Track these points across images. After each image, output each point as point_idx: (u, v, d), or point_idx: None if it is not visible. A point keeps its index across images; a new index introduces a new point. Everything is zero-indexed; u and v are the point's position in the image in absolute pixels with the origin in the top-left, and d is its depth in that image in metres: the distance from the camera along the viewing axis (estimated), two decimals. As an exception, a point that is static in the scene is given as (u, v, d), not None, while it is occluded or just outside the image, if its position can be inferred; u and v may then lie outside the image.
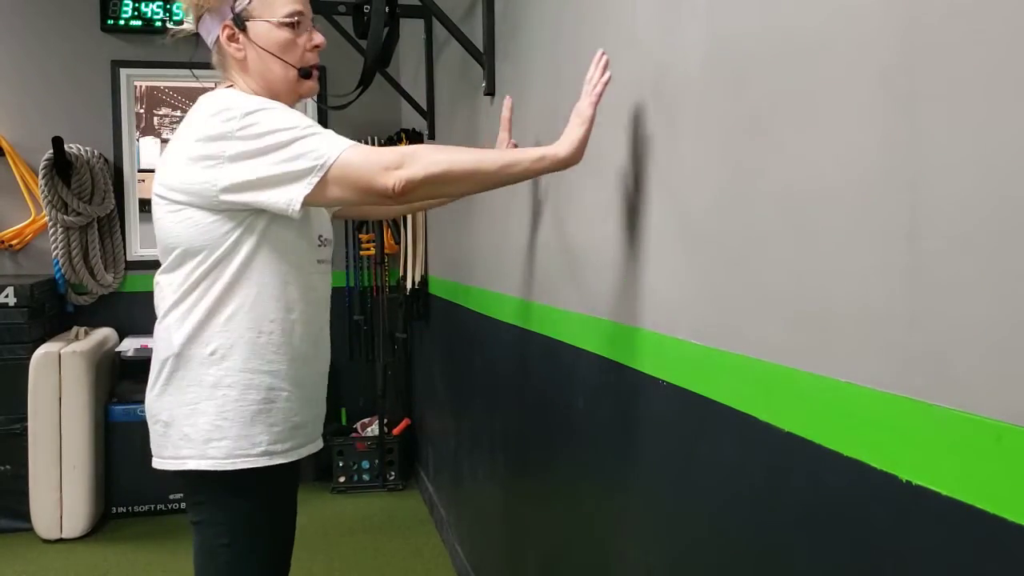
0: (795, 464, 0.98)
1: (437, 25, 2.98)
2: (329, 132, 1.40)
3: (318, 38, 1.53)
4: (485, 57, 2.36)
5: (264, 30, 1.48)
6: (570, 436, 1.80)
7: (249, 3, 1.48)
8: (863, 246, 0.86)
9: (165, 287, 1.49)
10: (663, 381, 1.32)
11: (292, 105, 1.50)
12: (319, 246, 1.56)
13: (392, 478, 4.01)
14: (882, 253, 0.83)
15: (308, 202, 1.37)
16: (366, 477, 4.00)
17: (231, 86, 1.54)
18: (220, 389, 1.45)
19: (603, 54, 1.38)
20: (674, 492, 1.31)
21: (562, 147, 1.37)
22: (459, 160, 1.37)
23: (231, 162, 1.37)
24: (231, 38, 1.50)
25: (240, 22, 1.48)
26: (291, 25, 1.49)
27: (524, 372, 2.16)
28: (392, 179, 1.32)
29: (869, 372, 0.85)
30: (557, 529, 1.90)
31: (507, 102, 1.88)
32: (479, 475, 2.72)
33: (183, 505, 3.64)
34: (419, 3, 2.43)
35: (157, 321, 1.51)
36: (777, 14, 1.02)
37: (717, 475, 1.17)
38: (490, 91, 2.38)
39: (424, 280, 3.70)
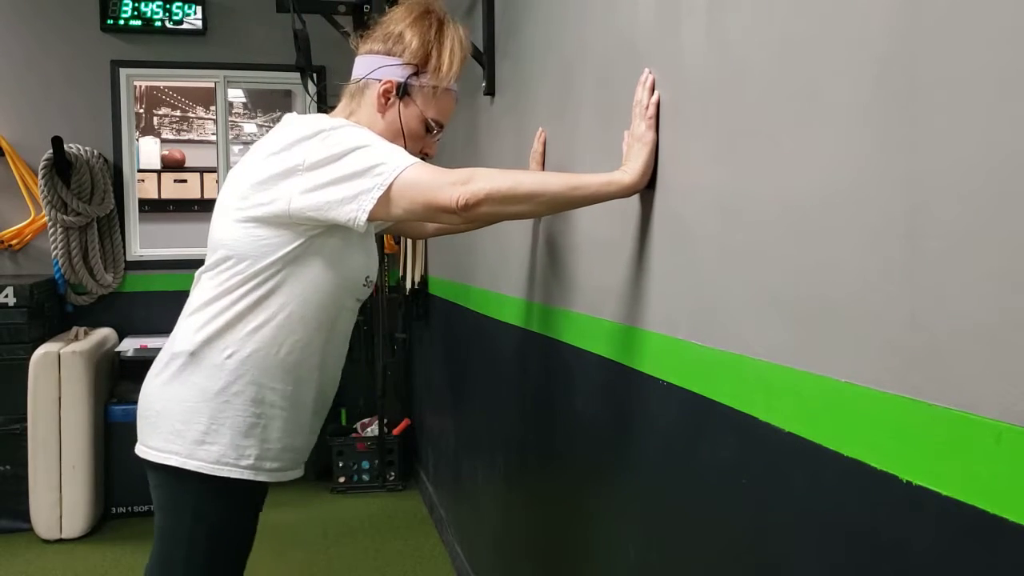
0: (795, 464, 0.98)
1: (437, 25, 2.97)
2: (397, 148, 1.40)
3: (434, 149, 1.60)
4: (485, 57, 2.37)
5: (413, 112, 1.54)
6: (570, 436, 1.80)
7: (423, 84, 1.52)
8: (863, 246, 0.86)
9: (204, 283, 1.50)
10: (663, 381, 1.32)
11: None
12: (363, 286, 1.56)
13: (392, 478, 4.01)
14: (882, 253, 0.83)
15: (373, 216, 1.36)
16: (366, 477, 4.00)
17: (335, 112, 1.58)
18: (224, 395, 1.45)
19: (649, 73, 1.35)
20: (674, 492, 1.31)
21: (628, 174, 1.33)
22: (525, 180, 1.36)
23: (306, 171, 1.38)
24: (387, 93, 1.53)
25: (404, 91, 1.53)
26: (428, 127, 1.55)
27: (524, 372, 2.16)
28: (456, 193, 1.31)
29: (869, 372, 0.85)
30: (557, 529, 1.90)
31: (539, 135, 1.89)
32: (479, 475, 2.71)
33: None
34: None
35: (183, 314, 1.52)
36: (776, 13, 1.02)
37: (717, 475, 1.17)
38: (490, 91, 2.38)
39: (424, 280, 3.70)
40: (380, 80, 1.53)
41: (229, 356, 1.44)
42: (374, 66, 1.54)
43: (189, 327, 1.48)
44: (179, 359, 1.47)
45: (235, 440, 1.45)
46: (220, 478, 1.45)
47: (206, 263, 1.50)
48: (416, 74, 1.52)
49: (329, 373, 1.58)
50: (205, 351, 1.45)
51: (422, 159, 1.48)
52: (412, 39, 1.52)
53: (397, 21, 1.54)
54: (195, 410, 1.45)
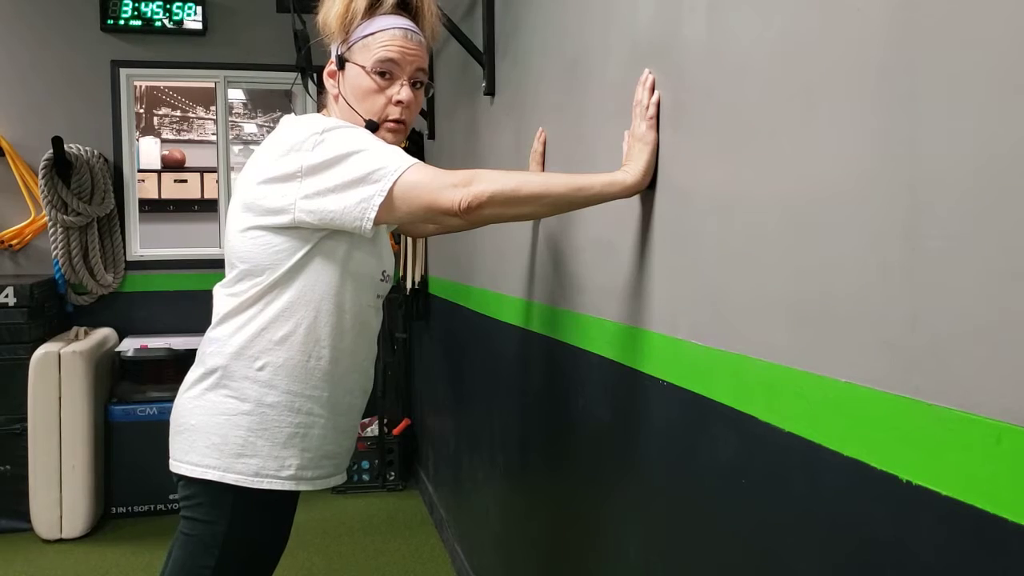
0: (795, 464, 0.98)
1: (437, 25, 2.97)
2: (395, 149, 1.39)
3: (404, 93, 1.48)
4: (485, 57, 2.37)
5: (354, 74, 1.49)
6: (570, 436, 1.80)
7: (351, 46, 1.50)
8: (863, 246, 0.86)
9: (223, 298, 1.49)
10: (663, 381, 1.32)
11: None
12: (381, 281, 1.56)
13: (392, 478, 4.01)
14: (882, 253, 0.83)
15: (377, 222, 1.36)
16: (366, 477, 4.00)
17: (325, 113, 1.56)
18: (261, 407, 1.44)
19: (649, 73, 1.35)
20: (674, 492, 1.31)
21: (629, 174, 1.33)
22: (528, 180, 1.35)
23: (307, 176, 1.37)
24: (331, 75, 1.53)
25: (341, 62, 1.51)
26: (380, 74, 1.47)
27: (524, 372, 2.16)
28: (458, 196, 1.30)
29: (869, 372, 0.85)
30: (557, 529, 1.90)
31: (540, 135, 1.89)
32: (479, 476, 2.71)
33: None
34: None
35: (209, 329, 1.51)
36: (776, 13, 1.02)
37: (717, 475, 1.17)
38: (490, 91, 2.38)
39: (424, 280, 3.70)
40: (327, 67, 1.54)
41: (261, 368, 1.44)
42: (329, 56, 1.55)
43: (216, 341, 1.47)
44: (213, 374, 1.46)
45: (274, 451, 1.44)
46: (260, 490, 1.44)
47: (225, 278, 1.50)
48: (344, 42, 1.51)
49: (364, 373, 1.58)
50: (236, 364, 1.44)
51: (399, 119, 1.48)
52: (329, 20, 1.51)
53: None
54: (232, 423, 1.44)
